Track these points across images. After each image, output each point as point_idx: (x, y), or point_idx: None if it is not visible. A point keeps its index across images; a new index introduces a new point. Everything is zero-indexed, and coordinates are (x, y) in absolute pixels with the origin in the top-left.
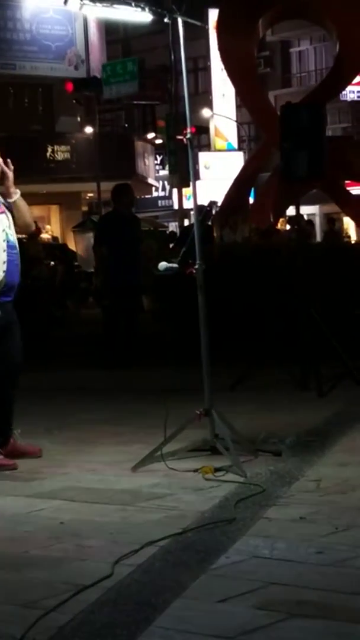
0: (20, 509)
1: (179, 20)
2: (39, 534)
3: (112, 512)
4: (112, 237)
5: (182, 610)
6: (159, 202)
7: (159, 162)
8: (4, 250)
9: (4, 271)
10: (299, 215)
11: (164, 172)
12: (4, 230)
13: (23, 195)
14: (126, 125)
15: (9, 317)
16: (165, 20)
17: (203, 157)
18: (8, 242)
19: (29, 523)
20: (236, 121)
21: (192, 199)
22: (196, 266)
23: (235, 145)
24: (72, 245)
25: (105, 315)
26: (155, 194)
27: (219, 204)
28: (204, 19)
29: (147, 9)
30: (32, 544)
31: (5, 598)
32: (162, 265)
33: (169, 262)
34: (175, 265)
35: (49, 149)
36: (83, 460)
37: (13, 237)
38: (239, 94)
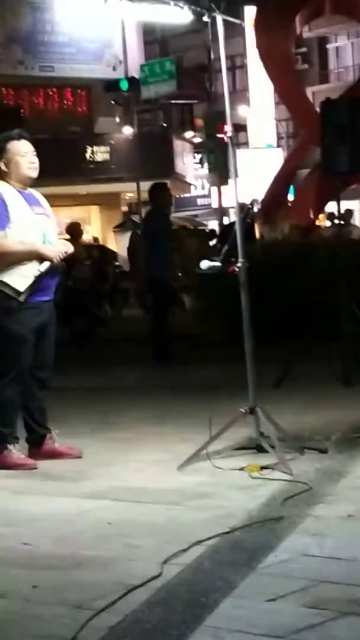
0: (68, 510)
1: (219, 19)
2: (87, 534)
3: (159, 512)
4: (157, 235)
5: (232, 610)
6: (198, 200)
7: (197, 160)
8: None
9: (39, 270)
10: (346, 211)
11: (203, 171)
12: (42, 232)
13: (64, 196)
14: (164, 124)
15: (45, 317)
16: (205, 19)
17: (241, 154)
18: (46, 244)
19: (76, 523)
20: (275, 118)
21: (234, 197)
22: (239, 264)
23: (274, 143)
24: (112, 246)
25: (155, 312)
26: (194, 192)
27: (260, 201)
28: (241, 17)
29: (186, 8)
30: (81, 544)
31: (55, 599)
32: (205, 263)
33: (211, 260)
34: (217, 263)
35: (89, 151)
36: (129, 459)
37: (52, 239)
38: (277, 90)
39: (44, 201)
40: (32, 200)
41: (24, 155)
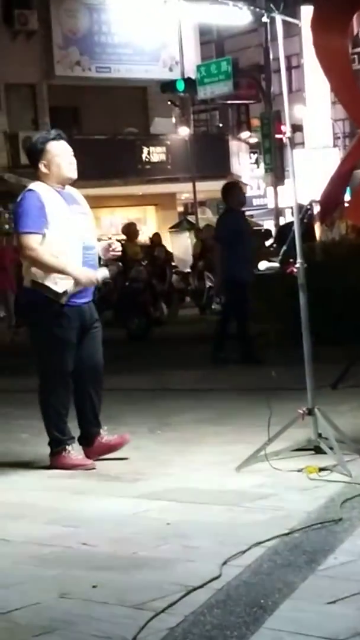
0: (127, 510)
1: (278, 19)
2: (146, 535)
3: (218, 513)
4: (232, 235)
5: (292, 612)
6: (254, 201)
7: (253, 161)
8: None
9: (68, 291)
10: None
11: (259, 171)
12: (81, 232)
13: (120, 197)
14: (220, 125)
15: (86, 318)
16: (264, 19)
17: (298, 154)
18: (85, 243)
19: (135, 524)
20: (331, 118)
21: (291, 198)
22: (297, 265)
23: (330, 143)
24: (168, 246)
25: (236, 314)
26: (249, 193)
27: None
28: (297, 16)
29: (245, 8)
30: (140, 545)
31: (115, 599)
32: (263, 264)
33: (269, 261)
34: (276, 264)
35: (145, 151)
36: (187, 460)
37: (91, 239)
38: (333, 90)
39: (82, 199)
40: (70, 200)
41: (64, 156)
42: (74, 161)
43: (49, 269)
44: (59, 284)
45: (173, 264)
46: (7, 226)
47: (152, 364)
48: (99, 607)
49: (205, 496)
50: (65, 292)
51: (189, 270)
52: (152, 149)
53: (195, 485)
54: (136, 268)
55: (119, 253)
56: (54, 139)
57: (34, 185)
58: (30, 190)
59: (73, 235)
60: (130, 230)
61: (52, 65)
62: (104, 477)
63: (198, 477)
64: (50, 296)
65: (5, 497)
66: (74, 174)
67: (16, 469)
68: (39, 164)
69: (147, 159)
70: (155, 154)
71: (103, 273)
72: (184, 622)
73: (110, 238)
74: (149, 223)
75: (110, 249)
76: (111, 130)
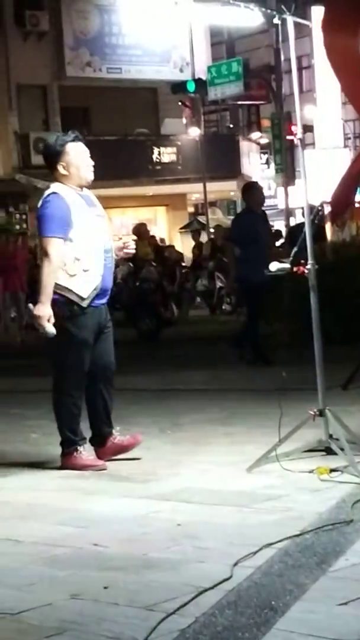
0: (137, 511)
1: (289, 21)
2: (156, 535)
3: (228, 514)
4: (246, 236)
5: (303, 613)
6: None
7: (264, 161)
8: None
9: (100, 275)
10: None
11: (269, 172)
12: (102, 234)
13: (130, 197)
14: (231, 125)
15: (102, 319)
16: (275, 20)
17: (308, 155)
18: (104, 246)
19: (146, 525)
20: (342, 118)
21: (302, 198)
22: (308, 266)
23: (341, 143)
24: (179, 247)
25: (247, 314)
26: None
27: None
28: (308, 17)
29: (256, 10)
30: (151, 546)
31: (126, 600)
32: (274, 265)
33: (280, 262)
34: (287, 265)
35: (155, 152)
36: (197, 460)
37: (109, 241)
38: (344, 90)
39: (97, 202)
40: (89, 202)
41: (83, 158)
42: (91, 163)
43: (41, 279)
44: (83, 288)
45: (183, 264)
46: (18, 227)
47: (162, 364)
48: (110, 608)
49: (216, 497)
50: (89, 296)
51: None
52: (162, 149)
53: (206, 486)
54: (147, 268)
55: (133, 251)
56: (72, 140)
57: (57, 188)
58: (54, 193)
59: (95, 238)
60: (140, 230)
61: (63, 66)
62: (114, 477)
63: (209, 478)
64: (73, 299)
65: (16, 498)
66: (91, 176)
67: (27, 470)
68: (58, 166)
69: (157, 160)
70: (166, 154)
71: (50, 330)
72: (194, 623)
73: (120, 239)
74: (160, 223)
75: (124, 247)
76: (122, 131)
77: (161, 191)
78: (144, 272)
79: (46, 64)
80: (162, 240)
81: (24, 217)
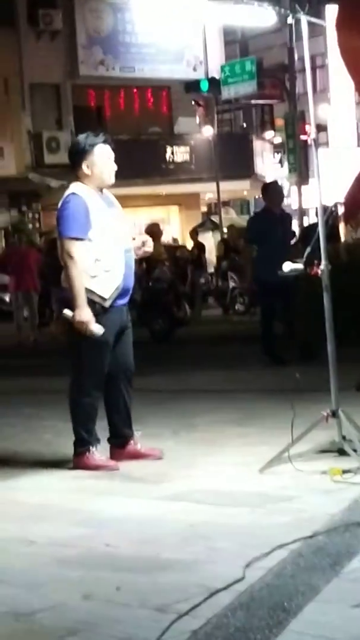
0: (150, 512)
1: (303, 20)
2: (169, 536)
3: (241, 515)
4: (261, 236)
5: (316, 615)
6: None
7: (277, 160)
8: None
9: (122, 275)
10: None
11: (283, 171)
12: (121, 236)
13: (143, 197)
14: (244, 124)
15: (124, 320)
16: (289, 20)
17: (322, 155)
18: (124, 246)
19: (158, 526)
20: (356, 118)
21: (316, 199)
22: (322, 267)
23: (355, 143)
24: (191, 246)
25: (261, 314)
26: None
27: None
28: (321, 16)
29: (270, 9)
30: (163, 546)
31: (138, 601)
32: (287, 265)
33: (293, 262)
34: (300, 265)
35: (169, 151)
36: (210, 461)
37: (129, 242)
38: (358, 90)
39: (117, 202)
40: (109, 203)
41: (109, 161)
42: (115, 167)
43: (70, 284)
44: (105, 288)
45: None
46: (30, 226)
47: (175, 364)
48: (122, 609)
49: (229, 498)
50: (111, 296)
51: (212, 271)
52: (175, 148)
53: (219, 487)
54: (160, 268)
55: (150, 250)
56: (101, 142)
57: (76, 188)
58: (74, 193)
59: (115, 238)
60: (153, 230)
61: (76, 65)
62: (127, 478)
63: (221, 479)
64: (95, 300)
65: (29, 498)
66: (112, 180)
67: (39, 470)
68: (82, 164)
69: (170, 159)
70: (179, 153)
71: (98, 330)
72: (207, 624)
73: (134, 238)
74: (173, 223)
75: (142, 246)
76: (135, 130)
77: (174, 190)
78: (157, 272)
79: (59, 63)
80: (175, 240)
81: (36, 216)
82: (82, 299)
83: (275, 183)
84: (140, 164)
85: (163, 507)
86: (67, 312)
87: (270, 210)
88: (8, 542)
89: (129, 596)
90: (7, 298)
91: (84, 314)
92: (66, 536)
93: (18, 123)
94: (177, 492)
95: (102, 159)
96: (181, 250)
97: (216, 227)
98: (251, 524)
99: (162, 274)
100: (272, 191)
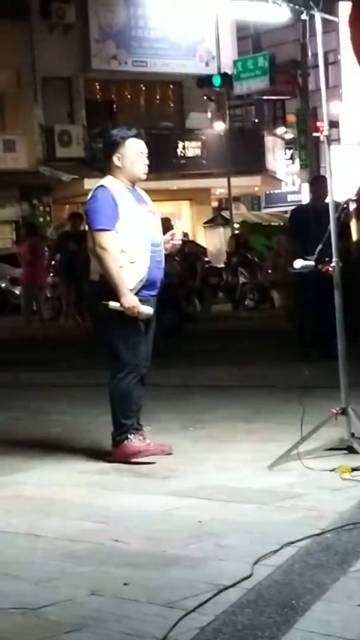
0: (158, 508)
1: (317, 17)
2: (177, 533)
3: (249, 512)
4: (302, 230)
5: (323, 613)
6: (288, 197)
7: (288, 156)
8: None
9: (147, 267)
10: None
11: (294, 167)
12: (150, 231)
13: (154, 191)
14: (256, 120)
15: (152, 311)
16: (303, 16)
17: (333, 151)
18: (152, 240)
19: (166, 522)
20: None
21: (329, 196)
22: (333, 264)
23: None
24: (202, 241)
25: (301, 310)
26: (284, 189)
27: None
28: (334, 12)
29: (284, 5)
30: (171, 543)
31: (146, 597)
32: (298, 262)
33: (304, 259)
34: (311, 262)
35: (180, 146)
36: (218, 458)
37: (158, 237)
38: None
39: (148, 198)
40: (139, 198)
41: (141, 155)
42: (146, 162)
43: (108, 275)
44: (129, 279)
45: (207, 259)
46: (41, 219)
47: (184, 360)
48: (130, 604)
49: (237, 494)
50: (135, 287)
51: (222, 265)
52: (187, 143)
53: (227, 484)
54: (170, 263)
55: (180, 242)
56: (134, 136)
57: (106, 182)
58: (102, 186)
59: (142, 232)
60: (165, 225)
61: (89, 59)
62: (135, 473)
63: (230, 475)
64: None
65: (36, 493)
66: (144, 176)
67: (48, 465)
68: (113, 156)
69: (182, 154)
70: (191, 148)
71: (147, 310)
72: (214, 621)
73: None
74: (184, 218)
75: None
76: (146, 124)
77: (185, 185)
78: (167, 267)
79: (72, 57)
80: (186, 234)
81: (47, 209)
82: (123, 286)
83: (320, 177)
84: (151, 158)
85: (171, 503)
86: (112, 303)
87: (313, 205)
88: (15, 536)
89: (137, 592)
90: (17, 291)
91: (130, 299)
92: (74, 531)
93: (30, 116)
94: (185, 488)
95: (133, 152)
96: (189, 245)
97: (227, 222)
98: (259, 521)
99: (171, 269)
100: (313, 187)
